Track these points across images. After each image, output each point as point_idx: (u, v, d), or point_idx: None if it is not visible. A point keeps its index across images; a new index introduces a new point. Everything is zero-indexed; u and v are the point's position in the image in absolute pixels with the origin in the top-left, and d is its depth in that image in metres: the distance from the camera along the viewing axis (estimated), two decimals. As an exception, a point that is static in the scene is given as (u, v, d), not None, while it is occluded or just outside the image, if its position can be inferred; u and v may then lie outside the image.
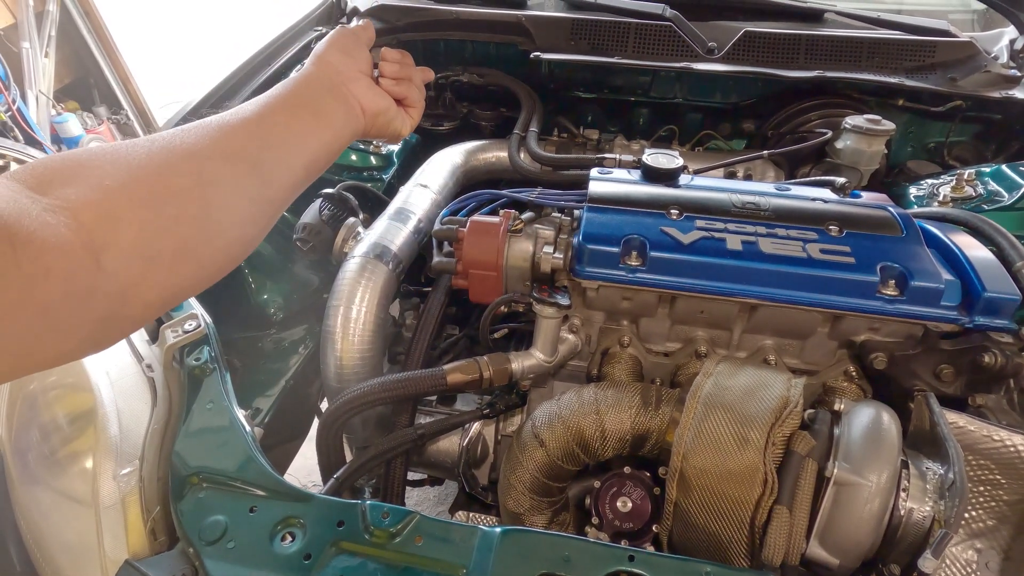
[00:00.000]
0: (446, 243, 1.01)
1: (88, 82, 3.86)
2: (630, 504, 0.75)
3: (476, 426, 0.96)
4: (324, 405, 1.11)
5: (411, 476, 1.20)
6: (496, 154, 1.37)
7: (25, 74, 3.37)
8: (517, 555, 0.59)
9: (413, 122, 0.75)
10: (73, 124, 3.57)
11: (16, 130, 3.25)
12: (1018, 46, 1.42)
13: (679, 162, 1.03)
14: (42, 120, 3.43)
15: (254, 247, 0.57)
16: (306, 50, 1.54)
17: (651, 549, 0.73)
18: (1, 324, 0.35)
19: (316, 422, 1.18)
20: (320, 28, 1.61)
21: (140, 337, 0.80)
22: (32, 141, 3.28)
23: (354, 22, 1.62)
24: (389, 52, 0.73)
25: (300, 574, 0.59)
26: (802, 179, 1.11)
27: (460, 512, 1.01)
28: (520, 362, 0.89)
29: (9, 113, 3.20)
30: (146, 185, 0.45)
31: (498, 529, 0.62)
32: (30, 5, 3.33)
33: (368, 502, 0.64)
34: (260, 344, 1.16)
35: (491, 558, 0.59)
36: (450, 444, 0.97)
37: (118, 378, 0.74)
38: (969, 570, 0.71)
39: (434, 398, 1.04)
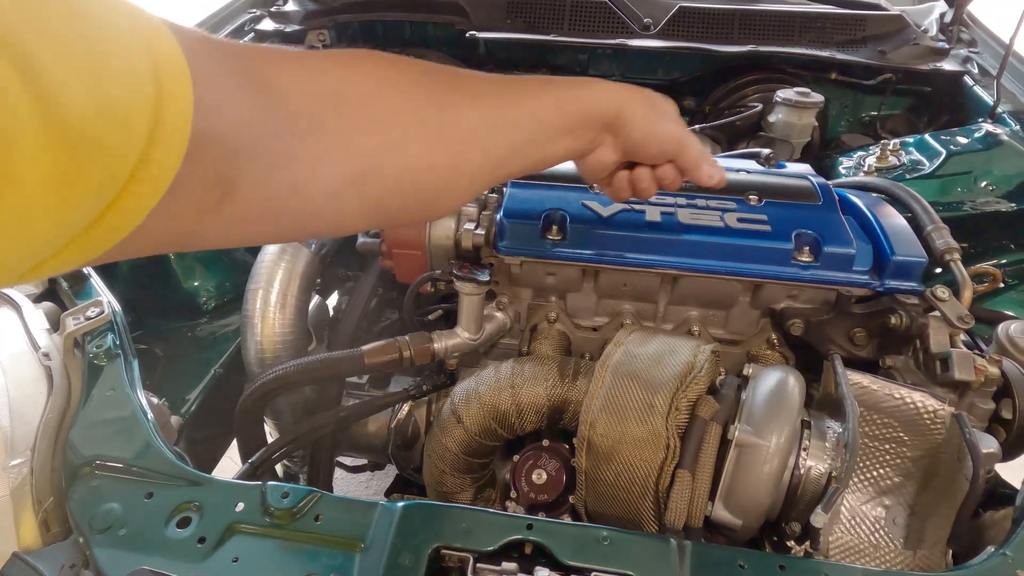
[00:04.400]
0: (372, 224, 1.00)
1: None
2: (545, 476, 0.75)
3: (405, 407, 0.95)
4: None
5: (350, 462, 1.19)
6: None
7: None
8: (416, 528, 0.59)
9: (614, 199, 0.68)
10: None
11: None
12: (947, 19, 1.44)
13: (607, 137, 1.02)
14: None
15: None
16: (239, 32, 1.50)
17: (567, 519, 0.74)
18: None
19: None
20: (254, 10, 1.57)
21: (39, 326, 0.77)
22: None
23: (289, 4, 1.58)
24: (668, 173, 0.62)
25: (194, 558, 0.58)
26: (730, 152, 1.12)
27: (395, 495, 1.01)
28: (443, 341, 0.88)
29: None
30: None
31: (400, 504, 0.62)
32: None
33: (268, 483, 0.63)
34: (190, 334, 1.13)
35: (390, 532, 0.59)
36: (380, 426, 0.96)
37: (10, 368, 0.71)
38: (878, 526, 0.73)
39: (365, 382, 1.02)
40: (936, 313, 0.78)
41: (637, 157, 0.60)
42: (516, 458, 0.78)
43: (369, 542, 0.59)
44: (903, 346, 0.82)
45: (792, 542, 0.69)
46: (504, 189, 0.98)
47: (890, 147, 1.15)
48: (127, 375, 0.74)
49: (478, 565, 0.57)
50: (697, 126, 1.25)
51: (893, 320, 0.78)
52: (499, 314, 0.94)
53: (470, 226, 0.91)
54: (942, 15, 1.47)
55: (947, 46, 1.39)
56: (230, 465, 1.03)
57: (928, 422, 0.70)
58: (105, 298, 0.82)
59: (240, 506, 0.62)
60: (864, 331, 0.84)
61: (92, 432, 0.68)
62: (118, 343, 0.77)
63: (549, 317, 0.95)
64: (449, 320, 1.12)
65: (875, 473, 0.74)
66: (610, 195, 0.66)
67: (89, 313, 0.78)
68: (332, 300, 1.26)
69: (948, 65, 1.35)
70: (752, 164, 1.02)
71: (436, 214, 0.80)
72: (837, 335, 0.85)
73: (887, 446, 0.74)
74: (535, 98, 0.53)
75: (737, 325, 0.93)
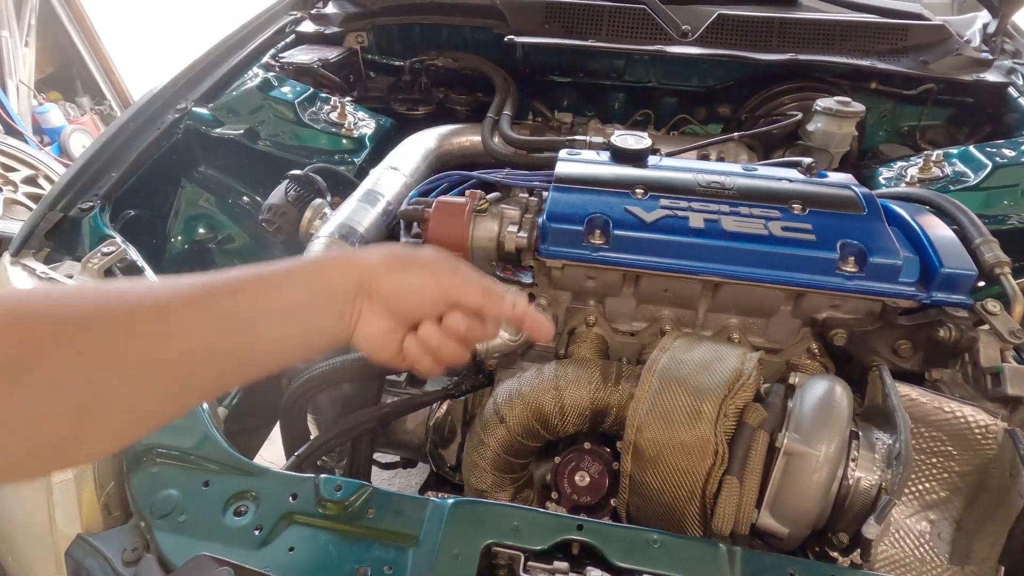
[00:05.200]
0: (414, 224, 1.01)
1: (71, 72, 3.81)
2: (588, 478, 0.75)
3: (444, 406, 0.96)
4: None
5: (383, 459, 1.20)
6: (470, 138, 1.36)
7: (4, 63, 3.33)
8: (467, 525, 0.60)
9: (425, 374, 0.56)
10: (55, 115, 3.53)
11: (-4, 120, 3.22)
12: (990, 30, 1.42)
13: (647, 143, 1.03)
14: (23, 110, 3.39)
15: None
16: (280, 34, 1.53)
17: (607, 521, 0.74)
18: None
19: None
20: (295, 12, 1.60)
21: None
22: (12, 131, 3.25)
23: (329, 7, 1.61)
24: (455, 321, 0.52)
25: (251, 546, 0.60)
26: (770, 160, 1.12)
27: (429, 492, 1.02)
28: (485, 341, 0.89)
29: (-12, 103, 3.16)
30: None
31: (450, 500, 0.63)
32: (8, -7, 3.29)
33: (321, 476, 0.64)
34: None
35: (441, 528, 0.60)
36: (418, 424, 0.97)
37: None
38: (922, 540, 0.73)
39: (403, 380, 1.04)
40: (986, 327, 0.77)
41: (408, 313, 0.51)
42: (557, 460, 0.79)
43: (421, 537, 0.60)
44: (950, 359, 0.81)
45: (836, 553, 0.69)
46: (546, 193, 0.99)
47: (933, 158, 1.14)
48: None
49: (529, 563, 0.57)
50: (736, 134, 1.25)
51: (942, 333, 0.78)
52: (538, 316, 0.95)
53: (513, 229, 0.92)
54: (985, 26, 1.45)
55: (991, 57, 1.37)
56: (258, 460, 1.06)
57: (979, 437, 0.69)
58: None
59: (294, 497, 0.63)
60: (909, 343, 0.83)
61: (151, 420, 0.70)
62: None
63: (588, 321, 0.96)
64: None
65: (921, 487, 0.73)
66: (416, 369, 0.54)
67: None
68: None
69: (992, 76, 1.33)
70: (793, 173, 1.01)
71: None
72: (881, 346, 0.84)
73: (934, 460, 0.73)
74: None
75: (777, 334, 0.93)
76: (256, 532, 0.61)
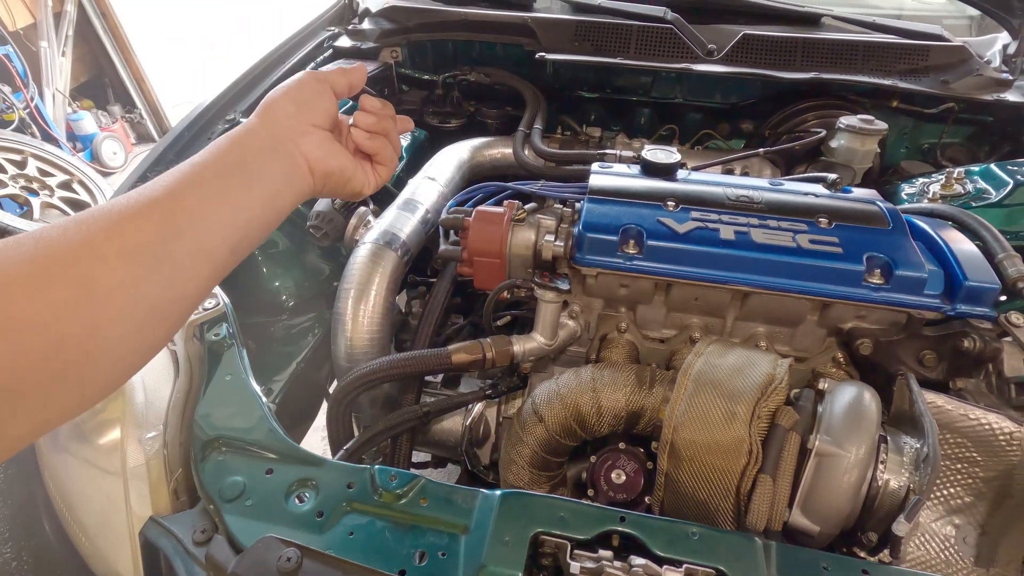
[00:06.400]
0: (452, 232, 1.06)
1: (103, 81, 3.95)
2: (624, 476, 0.79)
3: (479, 407, 1.00)
4: (332, 388, 1.16)
5: (415, 459, 1.24)
6: (501, 150, 1.41)
7: (43, 72, 3.46)
8: (516, 515, 0.63)
9: (380, 180, 0.68)
10: (88, 122, 3.66)
11: (33, 127, 3.34)
12: (1010, 51, 1.46)
13: (676, 157, 1.07)
14: (58, 117, 3.51)
15: (160, 348, 0.49)
16: (319, 49, 1.60)
17: (643, 519, 0.77)
18: None
19: (325, 405, 1.22)
20: (333, 28, 1.67)
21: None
22: (48, 138, 3.37)
23: (365, 23, 1.68)
24: (368, 101, 0.65)
25: (313, 530, 0.64)
26: (796, 175, 1.15)
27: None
28: (522, 344, 0.93)
29: (27, 110, 3.28)
30: (16, 306, 0.38)
31: (498, 492, 0.66)
32: (48, 5, 3.42)
33: (376, 467, 0.69)
34: (271, 329, 1.20)
35: (491, 518, 0.63)
36: (454, 424, 1.01)
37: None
38: (947, 544, 0.75)
39: (439, 382, 1.08)
40: (1009, 338, 0.80)
41: (323, 112, 0.61)
42: (593, 459, 0.82)
43: (473, 526, 0.64)
44: (974, 369, 0.84)
45: (864, 553, 0.72)
46: (578, 204, 1.04)
47: (955, 175, 1.17)
48: (241, 362, 0.81)
49: (575, 551, 0.61)
50: (761, 150, 1.29)
51: (966, 344, 0.80)
52: (571, 322, 0.99)
53: (550, 238, 0.97)
54: (1005, 47, 1.48)
55: (1011, 77, 1.40)
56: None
57: (1003, 444, 0.72)
58: (219, 291, 0.89)
59: (351, 486, 0.67)
60: (934, 353, 0.86)
61: (215, 412, 0.75)
62: (231, 332, 0.84)
63: (619, 327, 1.00)
64: (516, 326, 1.17)
65: (946, 492, 0.76)
66: (377, 160, 0.67)
67: (207, 304, 0.85)
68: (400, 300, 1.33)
69: (1012, 96, 1.36)
70: (819, 188, 1.05)
71: None
72: (907, 356, 0.87)
73: (959, 466, 0.76)
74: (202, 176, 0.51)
75: (803, 343, 0.96)
76: (317, 517, 0.65)
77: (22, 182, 2.87)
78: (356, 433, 0.97)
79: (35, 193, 2.88)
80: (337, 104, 0.63)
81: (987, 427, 0.73)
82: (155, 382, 0.77)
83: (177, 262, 0.47)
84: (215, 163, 0.52)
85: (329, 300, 1.08)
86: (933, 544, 0.75)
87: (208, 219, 0.50)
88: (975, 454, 0.74)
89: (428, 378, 1.05)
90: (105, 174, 3.50)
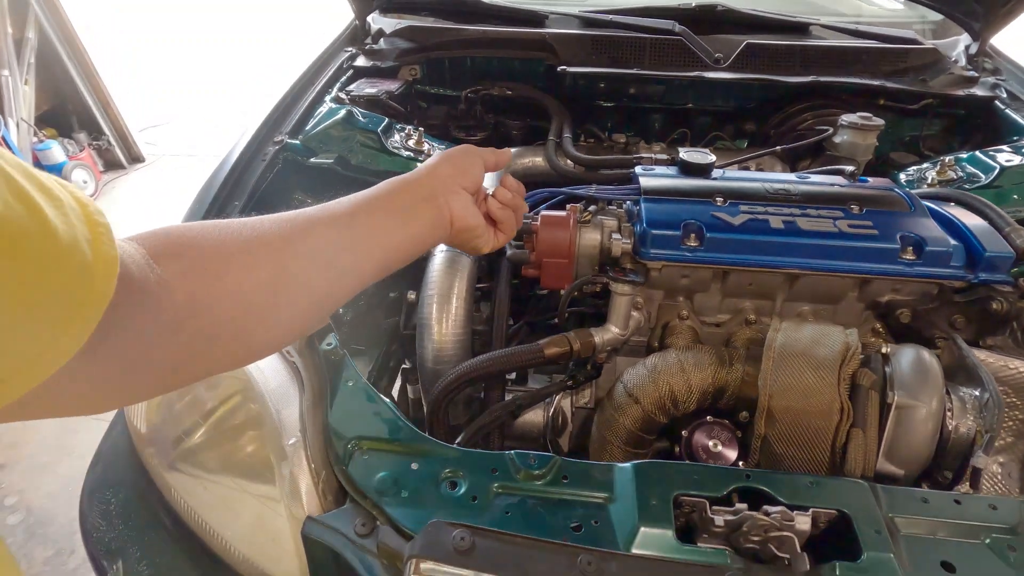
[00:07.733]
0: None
1: (66, 108, 3.81)
2: (720, 445, 0.87)
3: (558, 399, 1.07)
4: (410, 391, 1.20)
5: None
6: (532, 159, 1.49)
7: (5, 102, 3.31)
8: (655, 481, 0.70)
9: (499, 244, 0.82)
10: (57, 151, 3.53)
11: (-1, 158, 3.19)
12: (972, 51, 1.64)
13: (711, 158, 1.17)
14: (24, 147, 3.37)
15: (309, 332, 0.60)
16: (340, 71, 1.63)
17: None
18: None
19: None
20: (350, 48, 1.71)
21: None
22: (15, 169, 3.22)
23: (381, 43, 1.73)
24: (508, 180, 0.82)
25: (473, 512, 0.69)
26: (817, 169, 1.28)
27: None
28: (601, 335, 1.00)
29: (-6, 141, 3.14)
30: (231, 276, 0.49)
31: (629, 464, 0.73)
32: (8, 33, 3.29)
33: (514, 452, 0.74)
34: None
35: (632, 486, 0.70)
36: (534, 416, 1.07)
37: (264, 364, 0.82)
38: (995, 480, 0.87)
39: (511, 379, 1.14)
40: (1029, 298, 0.93)
41: (473, 179, 0.75)
42: (685, 433, 0.91)
43: (617, 495, 0.70)
44: (999, 328, 0.97)
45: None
46: (630, 205, 1.12)
47: (947, 162, 1.32)
48: (355, 368, 0.85)
49: (713, 507, 0.68)
50: (779, 148, 1.41)
51: (995, 306, 0.93)
52: (636, 313, 1.07)
53: (617, 236, 1.05)
54: (967, 47, 1.67)
55: (976, 74, 1.58)
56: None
57: (1040, 387, 0.84)
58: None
59: (495, 471, 0.73)
60: (963, 317, 0.98)
61: (348, 416, 0.79)
62: (339, 340, 0.88)
63: (681, 315, 1.09)
64: (572, 322, 1.24)
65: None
66: (499, 229, 0.82)
67: (312, 317, 0.89)
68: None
69: (980, 91, 1.54)
70: (839, 179, 1.17)
71: None
72: (940, 321, 0.99)
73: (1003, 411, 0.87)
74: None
75: (844, 317, 1.07)
76: (472, 501, 0.70)
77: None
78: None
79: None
80: (484, 175, 0.76)
81: (1024, 374, 0.85)
82: (280, 392, 0.80)
83: (342, 269, 0.59)
84: (387, 201, 0.65)
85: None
86: (984, 480, 0.86)
87: (370, 242, 0.62)
88: (1015, 399, 0.86)
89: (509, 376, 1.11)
90: (75, 204, 3.35)
